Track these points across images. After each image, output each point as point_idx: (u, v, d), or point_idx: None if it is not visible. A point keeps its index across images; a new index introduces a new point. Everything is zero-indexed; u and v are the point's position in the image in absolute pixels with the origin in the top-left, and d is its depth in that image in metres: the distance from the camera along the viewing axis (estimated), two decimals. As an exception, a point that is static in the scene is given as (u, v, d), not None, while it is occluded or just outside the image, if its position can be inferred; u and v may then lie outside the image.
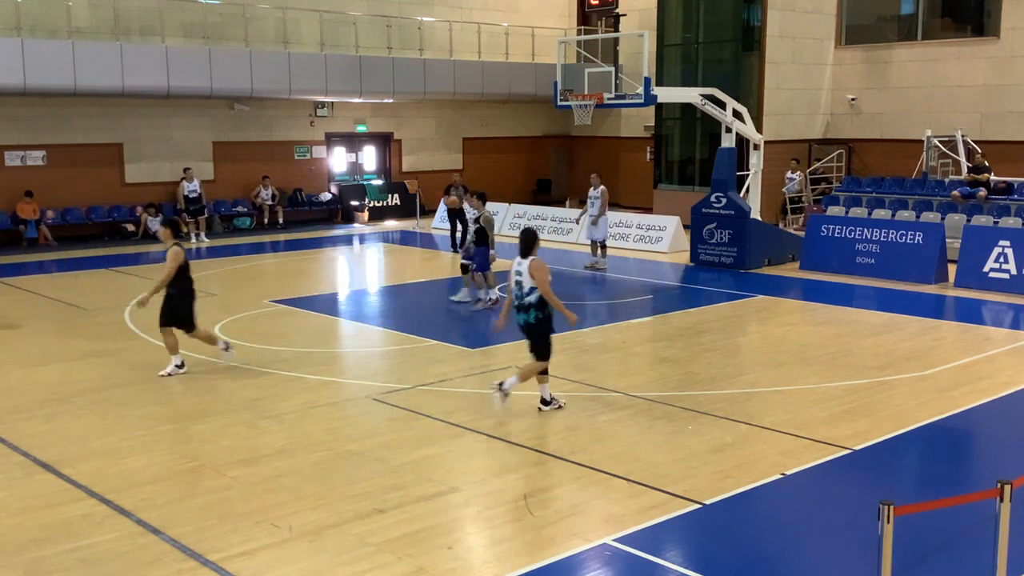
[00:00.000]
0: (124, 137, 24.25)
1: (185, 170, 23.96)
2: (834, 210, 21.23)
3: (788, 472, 8.12)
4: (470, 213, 15.78)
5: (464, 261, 15.43)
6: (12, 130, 22.71)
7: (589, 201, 19.21)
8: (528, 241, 9.79)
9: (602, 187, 19.13)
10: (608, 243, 19.69)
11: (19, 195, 22.62)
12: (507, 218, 25.20)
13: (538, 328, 9.68)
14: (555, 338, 10.13)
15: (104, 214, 24.06)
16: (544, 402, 9.85)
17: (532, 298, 9.56)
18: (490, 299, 15.19)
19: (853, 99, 26.42)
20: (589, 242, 19.75)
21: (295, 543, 6.80)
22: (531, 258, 9.64)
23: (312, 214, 27.68)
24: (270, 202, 26.12)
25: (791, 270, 18.68)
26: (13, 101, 22.24)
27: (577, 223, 22.42)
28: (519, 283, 9.67)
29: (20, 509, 7.45)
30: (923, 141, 22.46)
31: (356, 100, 27.37)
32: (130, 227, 24.08)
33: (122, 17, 23.03)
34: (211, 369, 11.56)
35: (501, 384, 9.74)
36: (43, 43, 21.19)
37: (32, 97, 22.14)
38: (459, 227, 20.59)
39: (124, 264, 19.92)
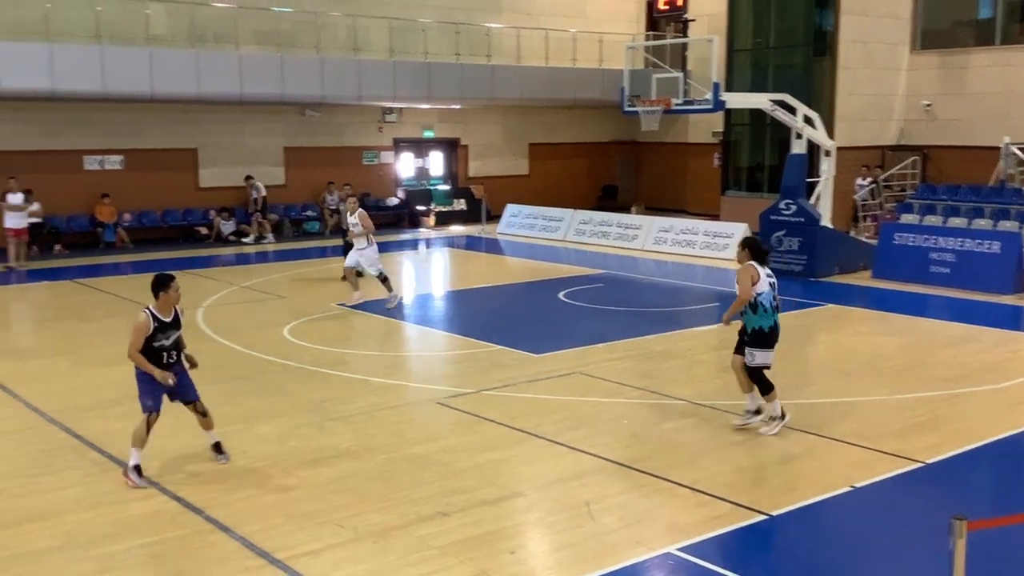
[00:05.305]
0: (198, 142, 24.79)
1: (247, 178, 24.85)
2: (908, 218, 20.79)
3: (857, 484, 7.96)
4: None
5: None
6: (91, 134, 23.34)
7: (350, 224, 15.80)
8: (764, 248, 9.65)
9: (360, 210, 15.65)
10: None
11: (97, 198, 23.25)
12: (572, 224, 25.14)
13: None
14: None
15: (179, 217, 24.62)
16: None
17: None
18: None
19: (928, 105, 25.85)
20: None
21: (360, 544, 6.87)
22: None
23: (379, 219, 27.82)
24: (333, 207, 26.44)
25: (862, 279, 18.32)
26: (93, 107, 22.85)
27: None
28: (774, 285, 9.37)
29: (93, 504, 7.64)
30: (1000, 148, 21.90)
31: (424, 106, 27.59)
32: (203, 230, 24.57)
33: (197, 25, 23.51)
34: (280, 371, 11.74)
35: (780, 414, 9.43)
36: (122, 51, 21.72)
37: (111, 103, 22.71)
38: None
39: (197, 267, 20.31)
